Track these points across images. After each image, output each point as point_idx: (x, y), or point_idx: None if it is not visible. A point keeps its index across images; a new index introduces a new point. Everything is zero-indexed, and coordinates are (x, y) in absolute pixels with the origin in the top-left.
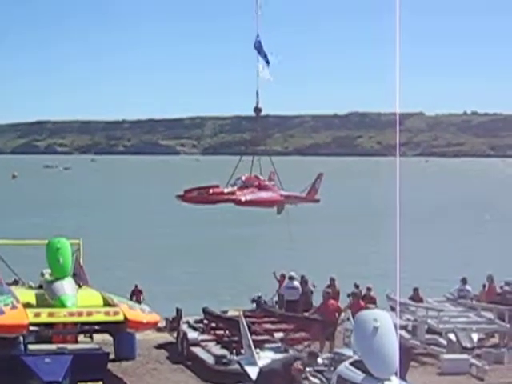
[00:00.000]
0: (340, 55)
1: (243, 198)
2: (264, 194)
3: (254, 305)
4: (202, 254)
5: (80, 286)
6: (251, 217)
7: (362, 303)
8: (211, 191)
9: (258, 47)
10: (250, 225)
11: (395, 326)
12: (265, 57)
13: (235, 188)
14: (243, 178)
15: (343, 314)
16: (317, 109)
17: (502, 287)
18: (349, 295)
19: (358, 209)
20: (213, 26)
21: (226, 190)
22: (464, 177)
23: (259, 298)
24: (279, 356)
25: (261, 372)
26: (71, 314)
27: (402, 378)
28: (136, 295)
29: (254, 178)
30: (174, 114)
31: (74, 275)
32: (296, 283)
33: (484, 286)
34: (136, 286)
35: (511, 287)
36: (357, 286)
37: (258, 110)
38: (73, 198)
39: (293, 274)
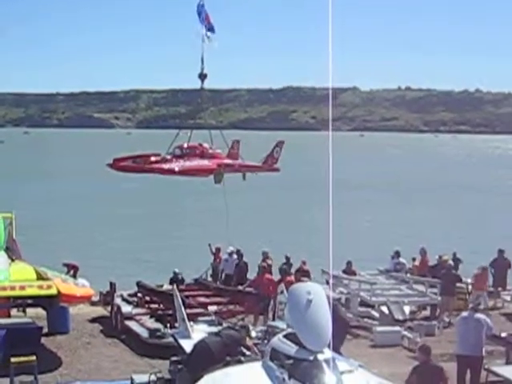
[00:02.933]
0: (274, 29)
1: (169, 167)
2: (197, 163)
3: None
4: (137, 227)
5: (13, 260)
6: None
7: (290, 278)
8: (141, 160)
9: (200, 11)
10: (188, 196)
11: (328, 298)
12: (208, 23)
13: (169, 157)
14: (182, 147)
15: (278, 288)
16: (252, 83)
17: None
18: (280, 269)
19: (295, 181)
20: (148, 4)
21: (153, 159)
22: (399, 151)
23: (176, 274)
24: (214, 329)
25: (199, 344)
26: (3, 289)
27: (337, 350)
28: (72, 270)
29: (197, 146)
30: (108, 87)
31: (7, 249)
32: (235, 257)
33: (414, 259)
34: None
35: (443, 261)
36: (287, 259)
37: (203, 75)
38: (5, 170)
39: (232, 248)
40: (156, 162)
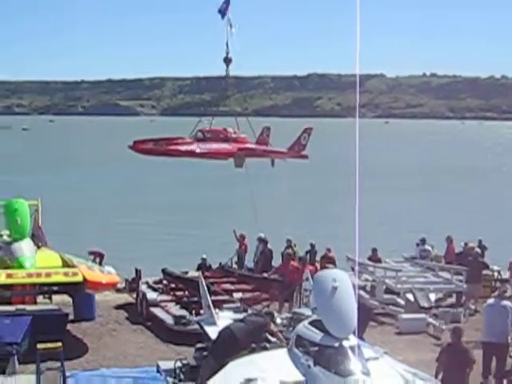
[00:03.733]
0: (299, 16)
1: (186, 149)
2: (217, 146)
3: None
4: (163, 215)
5: (39, 247)
6: (216, 174)
7: (314, 266)
8: (161, 142)
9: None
10: (215, 182)
11: (354, 286)
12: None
13: (189, 140)
14: (204, 130)
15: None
16: (276, 70)
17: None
18: (299, 258)
19: (321, 168)
20: None
21: (173, 142)
22: (426, 139)
23: (204, 260)
24: (239, 316)
25: (224, 331)
26: (30, 275)
27: (360, 337)
28: (98, 257)
29: (220, 130)
30: (133, 74)
31: (33, 236)
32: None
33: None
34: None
35: (469, 248)
36: (312, 246)
37: (228, 60)
38: (31, 158)
39: (262, 235)
40: (175, 144)
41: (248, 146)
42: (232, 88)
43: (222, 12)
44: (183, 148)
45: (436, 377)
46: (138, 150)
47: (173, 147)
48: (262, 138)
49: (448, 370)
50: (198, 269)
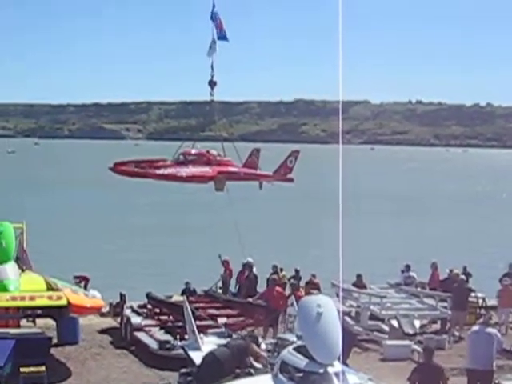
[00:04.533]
0: (285, 43)
1: (161, 172)
2: (196, 170)
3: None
4: (148, 239)
5: (23, 270)
6: (201, 199)
7: (299, 293)
8: (139, 164)
9: (214, 18)
10: (199, 207)
11: (338, 311)
12: (220, 30)
13: (169, 162)
14: (185, 153)
15: (288, 301)
16: (262, 96)
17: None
18: (290, 284)
19: (305, 193)
20: (160, 15)
21: (151, 164)
22: (411, 166)
23: (188, 284)
24: (223, 341)
25: (208, 356)
26: (14, 299)
27: (344, 362)
28: (83, 282)
29: (202, 152)
30: (119, 98)
31: (17, 259)
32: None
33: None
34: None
35: (454, 275)
36: (297, 272)
37: (212, 83)
38: (16, 181)
39: (250, 260)
40: (154, 167)
41: (230, 169)
42: (217, 112)
43: (221, 34)
44: (161, 171)
45: None
46: (118, 172)
47: (151, 170)
48: (251, 161)
49: None
50: (183, 293)
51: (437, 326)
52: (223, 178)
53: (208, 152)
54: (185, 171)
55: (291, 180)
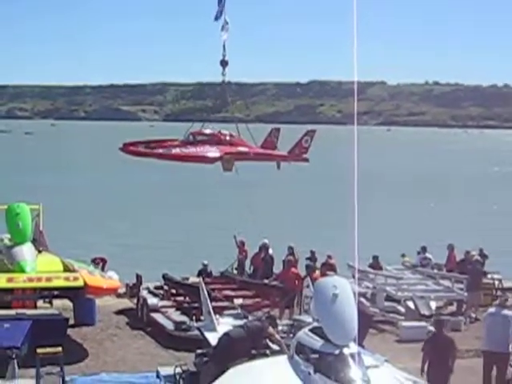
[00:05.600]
0: (300, 24)
1: (165, 152)
2: (202, 149)
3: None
4: (164, 220)
5: (39, 252)
6: (217, 179)
7: (315, 274)
8: (148, 145)
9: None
10: (216, 188)
11: (354, 293)
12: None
13: (176, 142)
14: (195, 133)
15: (304, 282)
16: (279, 77)
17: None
18: (306, 266)
19: (321, 174)
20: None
21: (157, 144)
22: (429, 147)
23: (205, 266)
24: (239, 322)
25: (223, 337)
26: (30, 280)
27: (360, 344)
28: (100, 263)
29: (212, 133)
30: (135, 79)
31: (34, 240)
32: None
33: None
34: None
35: (470, 256)
36: (312, 253)
37: (224, 62)
38: (34, 162)
39: (266, 241)
40: (162, 146)
41: (238, 149)
42: (231, 92)
43: (216, 13)
44: (167, 151)
45: (422, 367)
46: (128, 152)
47: (158, 150)
48: (269, 141)
49: (432, 360)
50: (199, 275)
51: (453, 308)
52: (231, 158)
53: (219, 132)
54: (190, 151)
55: (306, 160)
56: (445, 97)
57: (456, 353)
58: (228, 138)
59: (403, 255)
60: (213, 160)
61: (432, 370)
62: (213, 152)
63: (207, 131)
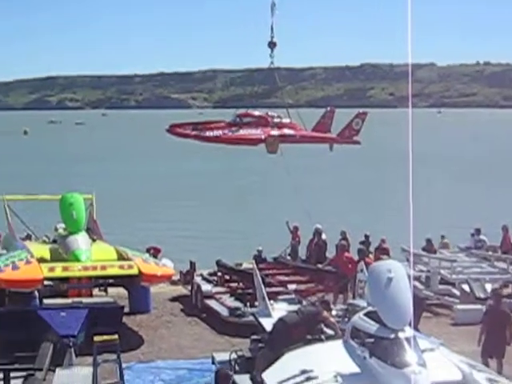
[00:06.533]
0: (350, 7)
1: (218, 134)
2: (245, 132)
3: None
4: (217, 206)
5: (94, 241)
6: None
7: (369, 258)
8: (194, 126)
9: None
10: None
11: (409, 276)
12: None
13: (224, 124)
14: (241, 114)
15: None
16: (328, 61)
17: None
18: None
19: (374, 158)
20: None
21: (202, 126)
22: (482, 128)
23: (260, 252)
24: (293, 308)
25: (278, 322)
26: (85, 268)
27: (415, 328)
28: (154, 253)
29: (259, 114)
30: (184, 67)
31: (88, 230)
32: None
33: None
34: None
35: None
36: (366, 237)
37: (272, 44)
38: (86, 152)
39: (319, 226)
40: (206, 128)
41: (284, 131)
42: (281, 77)
43: None
44: (211, 133)
45: (480, 338)
46: (174, 133)
47: (203, 132)
48: (323, 122)
49: (490, 330)
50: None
51: (508, 290)
52: (275, 141)
53: (267, 114)
54: (234, 133)
55: (358, 142)
56: (496, 77)
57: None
58: (275, 120)
59: (442, 237)
60: (255, 142)
61: (489, 341)
62: (256, 134)
63: (254, 113)
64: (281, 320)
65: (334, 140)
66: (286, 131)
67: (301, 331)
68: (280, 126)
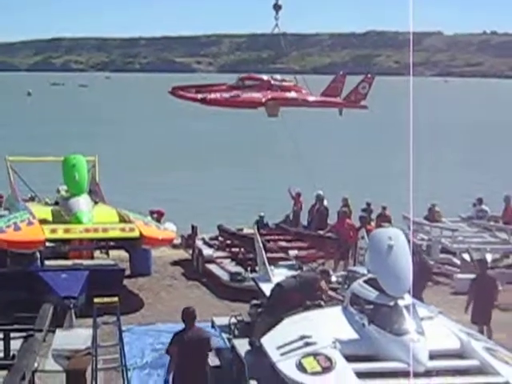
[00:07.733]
0: None
1: (218, 97)
2: (246, 95)
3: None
4: (219, 171)
5: (96, 203)
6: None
7: (370, 225)
8: (195, 89)
9: None
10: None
11: (409, 244)
12: None
13: (226, 87)
14: (244, 78)
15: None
16: (334, 27)
17: None
18: (360, 217)
19: (377, 125)
20: None
21: (204, 89)
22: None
23: (261, 217)
24: (294, 273)
25: (275, 288)
26: (87, 230)
27: (418, 295)
28: (157, 216)
29: (261, 77)
30: (189, 31)
31: (90, 192)
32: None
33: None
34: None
35: None
36: (368, 205)
37: (277, 6)
38: (89, 114)
39: (320, 192)
40: (208, 91)
41: (285, 95)
42: (287, 43)
43: None
44: (211, 95)
45: (467, 306)
46: (176, 95)
47: (203, 95)
48: (333, 87)
49: (477, 297)
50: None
51: (509, 261)
52: (275, 104)
53: (271, 77)
54: (234, 96)
55: (365, 107)
56: (503, 47)
57: (497, 291)
58: (278, 83)
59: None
60: (255, 105)
61: (476, 308)
62: (256, 97)
63: (256, 76)
64: (278, 285)
65: (339, 104)
66: (289, 95)
67: (298, 296)
68: (283, 89)
